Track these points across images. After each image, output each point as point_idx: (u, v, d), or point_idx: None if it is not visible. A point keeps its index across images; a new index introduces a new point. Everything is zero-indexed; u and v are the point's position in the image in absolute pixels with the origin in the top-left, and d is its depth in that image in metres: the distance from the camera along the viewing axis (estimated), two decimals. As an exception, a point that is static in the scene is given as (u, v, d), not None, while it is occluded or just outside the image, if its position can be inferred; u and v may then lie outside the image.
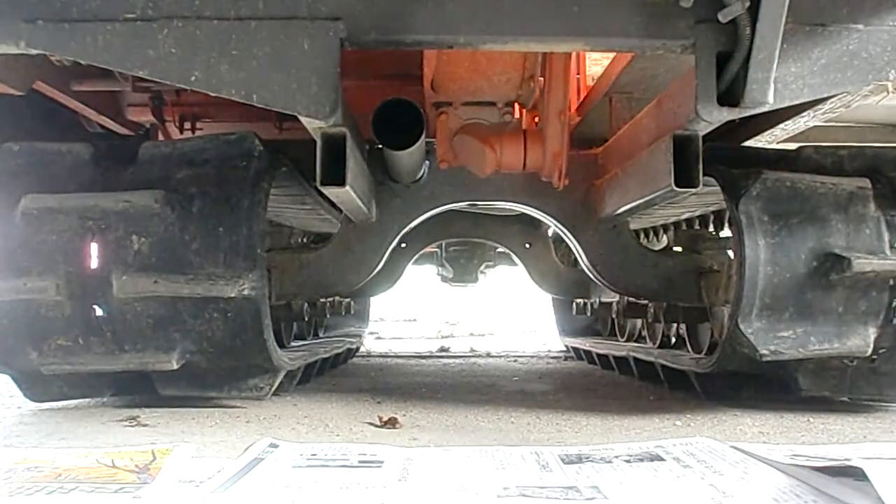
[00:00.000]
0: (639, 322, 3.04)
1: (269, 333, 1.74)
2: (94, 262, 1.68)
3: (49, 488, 1.01)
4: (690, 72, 1.40)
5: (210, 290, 1.65)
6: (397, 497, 1.02)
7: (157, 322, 1.69)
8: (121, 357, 1.71)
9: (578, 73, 2.53)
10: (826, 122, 2.39)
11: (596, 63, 2.50)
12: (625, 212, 2.12)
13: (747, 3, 1.26)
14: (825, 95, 1.61)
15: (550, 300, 4.03)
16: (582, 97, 2.51)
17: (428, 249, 3.55)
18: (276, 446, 1.31)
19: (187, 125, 2.55)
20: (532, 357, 3.74)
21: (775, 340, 1.71)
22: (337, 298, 3.12)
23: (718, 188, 1.81)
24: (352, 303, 3.35)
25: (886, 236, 1.75)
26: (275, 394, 1.93)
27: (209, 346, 1.73)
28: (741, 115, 1.40)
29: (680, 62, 1.59)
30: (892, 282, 1.72)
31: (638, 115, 1.99)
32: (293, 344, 2.75)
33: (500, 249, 3.61)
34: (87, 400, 1.96)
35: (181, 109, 2.53)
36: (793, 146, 2.02)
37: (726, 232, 2.43)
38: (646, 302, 2.61)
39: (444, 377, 2.82)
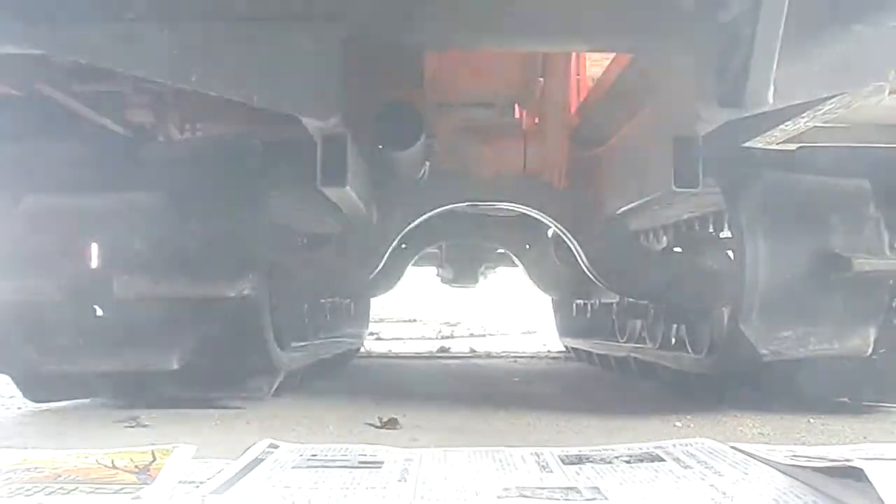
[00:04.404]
0: (639, 323, 3.03)
1: (269, 334, 1.74)
2: (94, 263, 1.68)
3: (49, 489, 1.01)
4: (690, 72, 1.41)
5: (210, 291, 1.65)
6: (397, 497, 1.02)
7: (158, 322, 1.69)
8: (121, 357, 1.71)
9: (578, 74, 2.52)
10: (826, 122, 2.38)
11: (596, 63, 2.50)
12: (625, 212, 2.12)
13: (747, 4, 1.26)
14: (825, 96, 1.61)
15: (550, 301, 4.03)
16: (582, 98, 2.51)
17: (428, 250, 3.55)
18: (276, 447, 1.31)
19: (188, 126, 2.55)
20: (532, 358, 3.74)
21: (775, 341, 1.71)
22: (337, 299, 3.12)
23: (718, 189, 1.81)
24: (352, 304, 3.35)
25: (886, 236, 1.75)
26: (275, 394, 1.93)
27: (209, 346, 1.73)
28: (741, 116, 1.40)
29: (680, 62, 1.59)
30: (892, 282, 1.72)
31: (638, 116, 1.99)
32: (293, 345, 2.75)
33: (501, 250, 3.61)
34: (87, 400, 1.96)
35: (181, 110, 2.52)
36: (792, 147, 2.02)
37: (726, 233, 2.43)
38: (646, 303, 2.61)
39: (444, 378, 2.82)
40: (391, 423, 1.66)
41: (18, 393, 1.89)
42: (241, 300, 1.67)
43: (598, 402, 2.13)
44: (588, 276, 2.46)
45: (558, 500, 1.01)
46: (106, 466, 1.13)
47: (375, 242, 2.29)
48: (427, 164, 2.20)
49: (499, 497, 1.03)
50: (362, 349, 3.89)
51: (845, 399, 1.93)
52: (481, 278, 4.21)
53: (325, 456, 1.26)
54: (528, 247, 3.23)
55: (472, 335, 5.62)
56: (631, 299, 2.78)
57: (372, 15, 1.33)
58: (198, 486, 1.06)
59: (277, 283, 2.22)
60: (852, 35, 1.36)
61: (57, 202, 1.67)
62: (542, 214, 2.35)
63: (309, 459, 1.23)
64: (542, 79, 1.93)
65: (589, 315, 3.38)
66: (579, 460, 1.23)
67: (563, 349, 3.96)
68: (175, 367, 1.71)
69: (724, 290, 2.12)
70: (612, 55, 2.14)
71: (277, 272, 2.23)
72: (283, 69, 1.31)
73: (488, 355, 3.86)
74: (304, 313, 2.65)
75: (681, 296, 2.29)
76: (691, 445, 1.30)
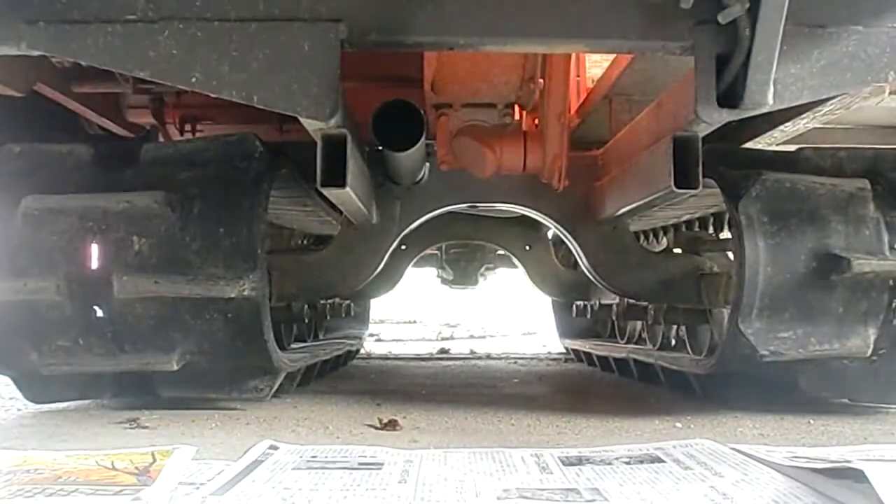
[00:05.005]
0: (639, 324, 3.04)
1: (269, 334, 1.74)
2: (94, 263, 1.68)
3: (49, 490, 1.01)
4: (690, 73, 1.41)
5: (210, 291, 1.65)
6: (397, 499, 1.02)
7: (158, 323, 1.69)
8: (121, 358, 1.71)
9: (578, 75, 2.53)
10: (825, 123, 2.39)
11: (596, 65, 2.51)
12: (625, 213, 2.12)
13: (747, 5, 1.26)
14: (825, 97, 1.61)
15: (550, 302, 4.03)
16: (582, 99, 2.51)
17: (428, 251, 3.55)
18: (275, 448, 1.31)
19: (188, 127, 2.55)
20: (532, 359, 3.73)
21: (775, 341, 1.71)
22: (337, 300, 3.12)
23: (718, 190, 1.81)
24: (352, 305, 3.35)
25: (886, 237, 1.75)
26: (275, 395, 1.93)
27: (209, 346, 1.73)
28: (741, 117, 1.40)
29: (679, 64, 1.59)
30: (891, 282, 1.72)
31: (638, 117, 2.00)
32: (293, 346, 2.75)
33: (501, 252, 3.61)
34: (87, 401, 1.96)
35: (182, 111, 2.53)
36: (792, 148, 2.03)
37: (726, 234, 2.43)
38: (646, 304, 2.61)
39: (444, 379, 2.82)
40: (391, 425, 1.66)
41: (19, 394, 1.89)
42: (241, 300, 1.67)
43: (598, 404, 2.13)
44: (588, 277, 2.46)
45: (558, 501, 1.01)
46: (106, 468, 1.13)
47: (375, 243, 2.29)
48: (427, 164, 2.20)
49: (499, 498, 1.03)
50: (362, 350, 3.89)
51: (845, 400, 1.93)
52: (481, 279, 4.21)
53: (325, 457, 1.26)
54: (528, 248, 3.23)
55: (472, 336, 5.62)
56: (631, 300, 2.78)
57: (371, 15, 1.33)
58: (198, 488, 1.06)
59: (278, 283, 2.23)
60: (852, 35, 1.36)
61: (57, 202, 1.67)
62: (541, 215, 2.36)
63: (309, 461, 1.23)
64: (542, 80, 1.93)
65: (589, 316, 3.38)
66: (579, 461, 1.23)
67: (563, 350, 3.96)
68: (175, 367, 1.71)
69: (723, 291, 2.12)
70: (612, 56, 2.15)
71: (278, 273, 2.23)
72: (283, 70, 1.31)
73: (488, 357, 3.86)
74: (303, 314, 2.65)
75: (680, 296, 2.30)
76: (691, 447, 1.30)
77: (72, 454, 1.22)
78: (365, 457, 1.26)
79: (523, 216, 2.56)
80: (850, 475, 0.99)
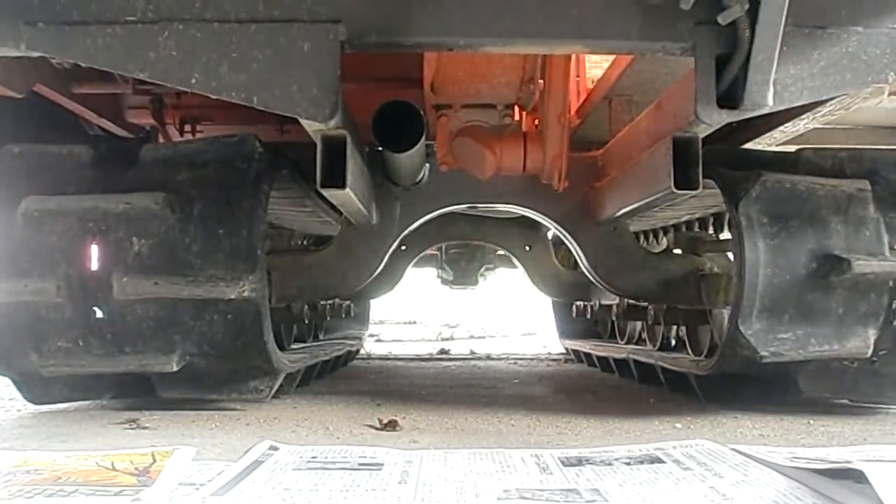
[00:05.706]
0: (639, 324, 3.04)
1: (269, 335, 1.74)
2: (94, 264, 1.68)
3: (49, 491, 1.01)
4: (690, 74, 1.41)
5: (210, 292, 1.65)
6: (397, 500, 1.02)
7: (158, 324, 1.69)
8: (121, 359, 1.71)
9: (578, 76, 2.53)
10: (825, 124, 2.39)
11: (596, 66, 2.51)
12: (625, 214, 2.12)
13: (746, 6, 1.26)
14: (825, 98, 1.61)
15: (550, 303, 4.04)
16: (582, 100, 2.51)
17: (428, 252, 3.55)
18: (276, 449, 1.31)
19: (187, 128, 2.55)
20: (532, 360, 3.73)
21: (775, 342, 1.71)
22: (337, 301, 3.12)
23: (718, 190, 1.81)
24: (352, 305, 3.35)
25: (886, 238, 1.75)
26: (275, 396, 1.93)
27: (209, 348, 1.73)
28: (740, 118, 1.40)
29: (679, 64, 1.59)
30: (891, 283, 1.72)
31: (637, 118, 2.00)
32: (293, 346, 2.75)
33: (500, 252, 3.62)
34: (87, 402, 1.96)
35: (181, 112, 2.53)
36: (792, 149, 2.03)
37: (726, 234, 2.43)
38: (646, 304, 2.61)
39: (444, 380, 2.82)
40: (391, 425, 1.66)
41: (18, 395, 1.89)
42: (241, 301, 1.67)
43: (597, 404, 2.13)
44: (588, 278, 2.46)
45: (558, 501, 1.01)
46: (106, 468, 1.13)
47: (375, 244, 2.29)
48: (427, 165, 2.20)
49: (499, 499, 1.03)
50: (362, 351, 3.89)
51: (845, 400, 1.93)
52: (481, 280, 4.22)
53: (325, 458, 1.26)
54: (527, 248, 3.23)
55: (471, 337, 5.62)
56: (631, 301, 2.78)
57: (371, 16, 1.33)
58: (198, 489, 1.06)
59: (277, 284, 2.23)
60: (852, 36, 1.36)
61: (57, 203, 1.67)
62: (541, 216, 2.36)
63: (309, 461, 1.23)
64: (542, 80, 1.93)
65: (589, 317, 3.38)
66: (579, 462, 1.23)
67: (563, 351, 3.97)
68: (175, 368, 1.71)
69: (723, 292, 2.12)
70: (611, 57, 2.15)
71: (277, 273, 2.23)
72: (283, 71, 1.31)
73: (488, 357, 3.86)
74: (303, 315, 2.65)
75: (680, 297, 2.30)
76: (691, 447, 1.30)
77: (72, 455, 1.22)
78: (365, 457, 1.26)
79: (523, 216, 2.56)
80: (851, 475, 0.99)
